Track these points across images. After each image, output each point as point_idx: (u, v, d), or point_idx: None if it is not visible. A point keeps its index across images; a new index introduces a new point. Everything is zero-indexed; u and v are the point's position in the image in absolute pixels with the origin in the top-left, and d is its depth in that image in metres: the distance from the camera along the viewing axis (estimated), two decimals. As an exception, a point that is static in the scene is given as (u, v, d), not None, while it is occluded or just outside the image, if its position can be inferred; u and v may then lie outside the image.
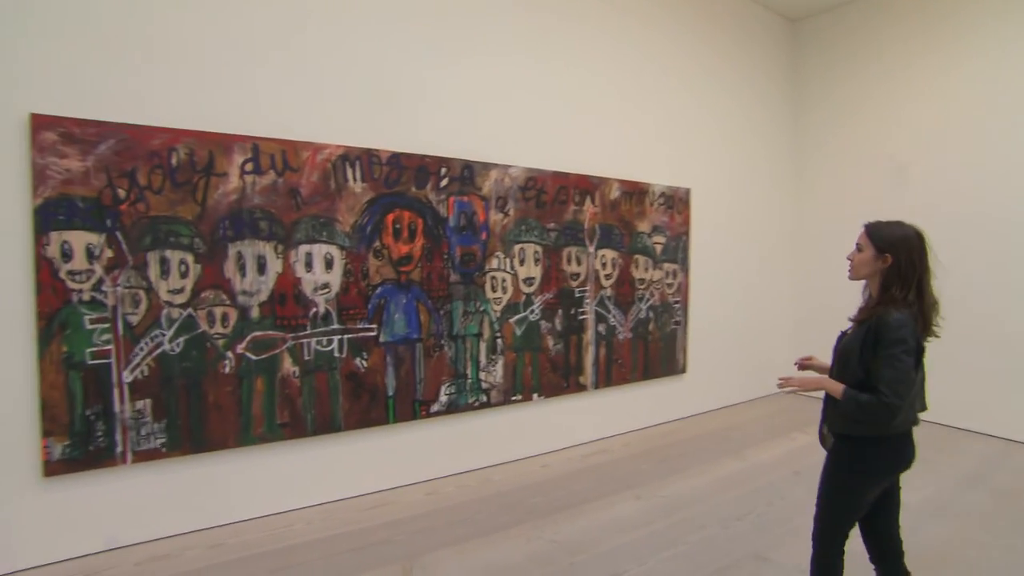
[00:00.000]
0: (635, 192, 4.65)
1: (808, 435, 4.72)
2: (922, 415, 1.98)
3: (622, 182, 4.56)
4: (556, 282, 4.27)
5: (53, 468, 2.67)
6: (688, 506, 3.46)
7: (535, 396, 4.21)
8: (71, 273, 2.66)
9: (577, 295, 4.39)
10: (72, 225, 2.65)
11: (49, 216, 2.61)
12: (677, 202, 4.93)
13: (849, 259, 2.00)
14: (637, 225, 4.67)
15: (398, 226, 3.58)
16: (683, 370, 5.06)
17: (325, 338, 3.35)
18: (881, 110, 5.33)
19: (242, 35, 3.05)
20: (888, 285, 1.88)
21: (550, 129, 4.19)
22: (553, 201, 4.21)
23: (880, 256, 1.90)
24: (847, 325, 2.04)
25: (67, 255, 2.65)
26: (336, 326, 3.38)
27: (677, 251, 4.97)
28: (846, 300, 2.30)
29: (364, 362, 3.49)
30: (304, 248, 3.26)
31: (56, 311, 2.64)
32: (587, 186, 4.37)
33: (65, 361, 2.66)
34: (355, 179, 3.41)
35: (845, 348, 1.93)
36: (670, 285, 4.94)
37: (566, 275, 4.32)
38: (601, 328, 4.53)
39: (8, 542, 2.60)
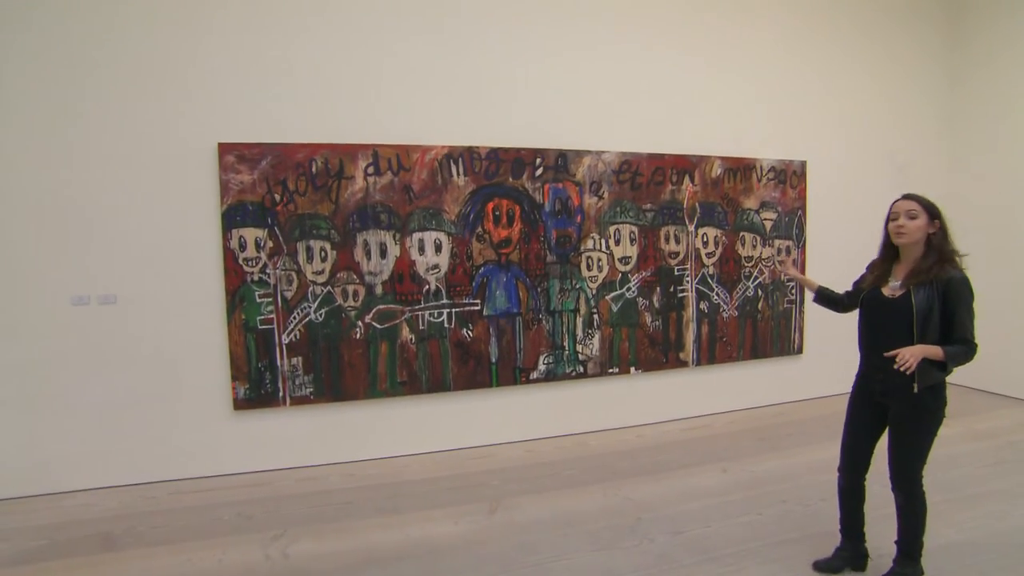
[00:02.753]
0: (740, 168, 4.56)
1: (949, 427, 4.28)
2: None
3: (724, 159, 4.50)
4: (654, 261, 4.40)
5: (239, 404, 3.60)
6: (774, 483, 3.46)
7: (633, 369, 4.42)
8: (245, 260, 3.54)
9: (677, 273, 4.47)
10: (245, 223, 3.52)
11: (231, 218, 3.50)
12: (790, 176, 4.71)
13: (902, 226, 2.22)
14: (743, 202, 4.58)
15: (497, 213, 4.02)
16: (799, 351, 4.85)
17: (436, 311, 3.93)
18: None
19: (357, 59, 3.70)
20: (938, 246, 2.20)
21: (643, 112, 4.31)
22: (649, 182, 4.34)
23: (931, 222, 2.21)
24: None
25: (243, 246, 3.53)
26: (445, 301, 3.95)
27: (791, 227, 4.76)
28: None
29: (470, 332, 4.01)
30: (417, 235, 3.86)
31: (237, 288, 3.54)
32: (685, 165, 4.41)
33: (244, 325, 3.56)
34: (458, 174, 3.92)
35: (922, 310, 2.16)
36: (782, 262, 4.76)
37: (664, 254, 4.43)
38: (703, 306, 4.56)
39: (212, 454, 3.59)
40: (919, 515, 2.31)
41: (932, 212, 2.21)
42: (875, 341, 2.32)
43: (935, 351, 2.12)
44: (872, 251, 5.37)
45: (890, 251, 2.35)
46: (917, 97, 5.22)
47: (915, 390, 2.19)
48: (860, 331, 2.44)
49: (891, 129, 5.11)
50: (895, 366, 2.11)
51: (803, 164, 4.75)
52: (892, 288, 2.27)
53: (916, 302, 2.17)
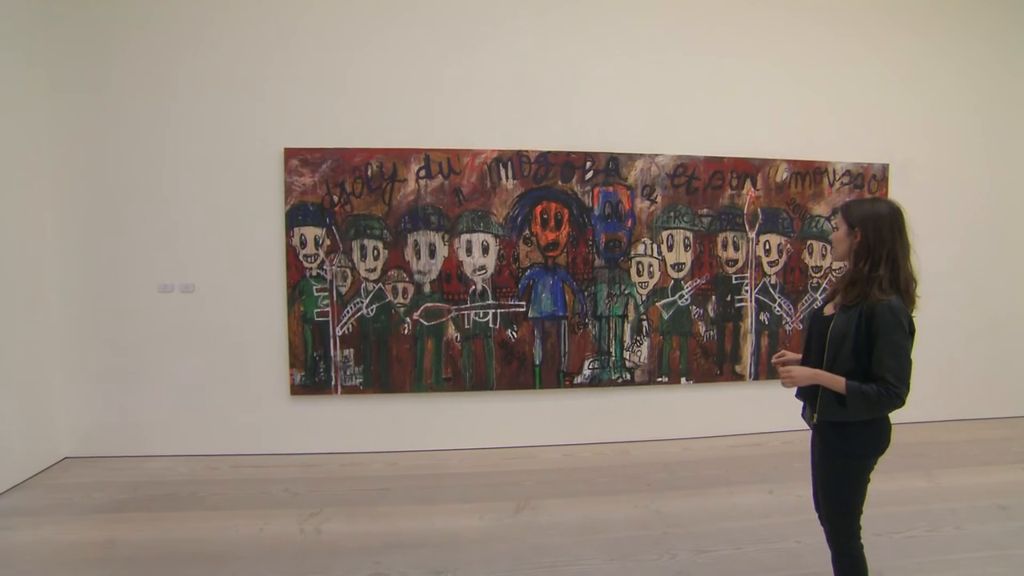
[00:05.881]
0: (809, 172, 4.26)
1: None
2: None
3: (791, 162, 4.23)
4: (709, 268, 4.23)
5: (296, 390, 3.90)
6: (823, 510, 3.21)
7: (683, 380, 4.27)
8: (305, 256, 3.84)
9: (735, 282, 4.27)
10: (306, 223, 3.82)
11: (293, 217, 3.81)
12: (869, 180, 4.33)
13: (831, 239, 1.92)
14: (811, 208, 4.27)
15: (545, 216, 4.05)
16: (874, 370, 4.44)
17: (482, 311, 4.04)
18: None
19: (412, 68, 3.89)
20: (857, 260, 1.87)
21: (701, 114, 4.16)
22: (706, 186, 4.18)
23: (851, 232, 1.90)
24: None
25: (303, 243, 3.83)
26: (491, 301, 4.04)
27: (869, 235, 4.37)
28: None
29: (514, 333, 4.08)
30: (465, 237, 3.98)
31: (297, 282, 3.85)
32: (747, 169, 4.20)
33: (302, 317, 3.86)
34: (507, 177, 3.99)
35: (836, 335, 1.87)
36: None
37: (721, 261, 4.24)
38: (763, 317, 4.31)
39: (270, 434, 3.93)
40: None
41: (851, 222, 1.89)
42: (804, 362, 2.07)
43: (835, 381, 1.83)
44: (963, 264, 4.83)
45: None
46: (1018, 95, 4.57)
47: (814, 420, 1.96)
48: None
49: (987, 128, 4.54)
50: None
51: (884, 168, 4.35)
52: (835, 305, 1.98)
53: (834, 324, 1.88)
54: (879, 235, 1.82)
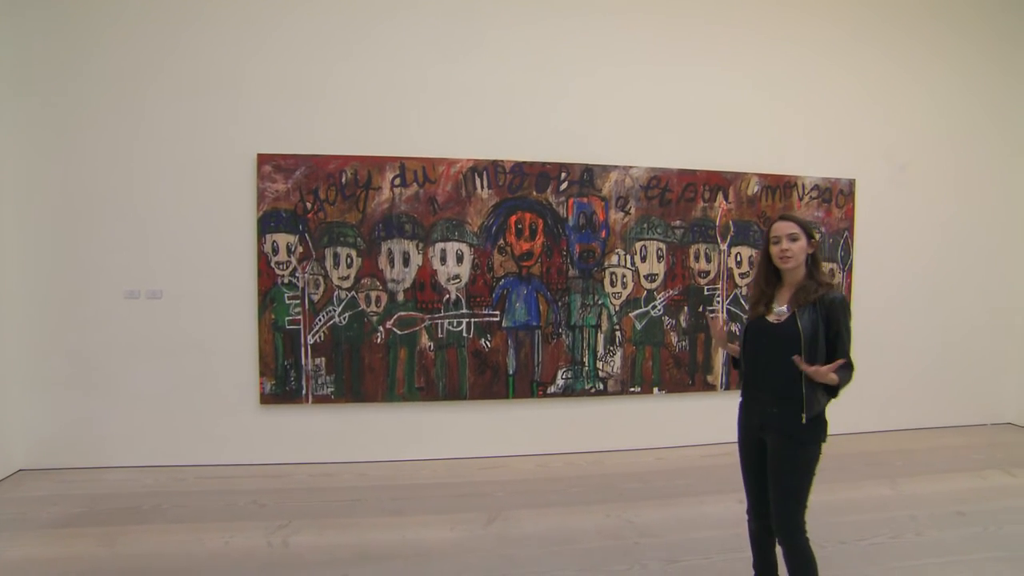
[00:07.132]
0: (779, 186, 4.36)
1: (1014, 477, 3.89)
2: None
3: (762, 176, 4.33)
4: (682, 279, 4.29)
5: (265, 399, 3.83)
6: (791, 518, 3.26)
7: (656, 390, 4.31)
8: (277, 263, 3.79)
9: (707, 293, 4.33)
10: (278, 229, 3.77)
11: (266, 223, 3.76)
12: (836, 195, 4.45)
13: (787, 250, 2.10)
14: (781, 221, 4.37)
15: (520, 226, 4.07)
16: (841, 381, 4.55)
17: (455, 320, 4.02)
18: None
19: (388, 77, 3.89)
20: (815, 265, 2.15)
21: (674, 128, 4.23)
22: (679, 199, 4.24)
23: (810, 242, 2.14)
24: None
25: (275, 250, 3.78)
26: (465, 311, 4.03)
27: (836, 249, 4.49)
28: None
29: (488, 343, 4.07)
30: (440, 245, 3.97)
31: (268, 289, 3.79)
32: (719, 182, 4.28)
33: (273, 325, 3.80)
34: (483, 187, 4.00)
35: (808, 335, 2.05)
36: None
37: (693, 272, 4.30)
38: (736, 328, 4.38)
39: (238, 444, 3.85)
40: (803, 571, 2.09)
41: (809, 232, 2.13)
42: (758, 371, 2.19)
43: (832, 376, 1.98)
44: (926, 278, 4.99)
45: (771, 276, 2.21)
46: (980, 112, 4.77)
47: (803, 421, 2.05)
48: (743, 363, 2.30)
49: (953, 147, 4.72)
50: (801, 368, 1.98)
51: (851, 183, 4.48)
52: (777, 314, 2.14)
53: (802, 325, 2.05)
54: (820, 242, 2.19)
